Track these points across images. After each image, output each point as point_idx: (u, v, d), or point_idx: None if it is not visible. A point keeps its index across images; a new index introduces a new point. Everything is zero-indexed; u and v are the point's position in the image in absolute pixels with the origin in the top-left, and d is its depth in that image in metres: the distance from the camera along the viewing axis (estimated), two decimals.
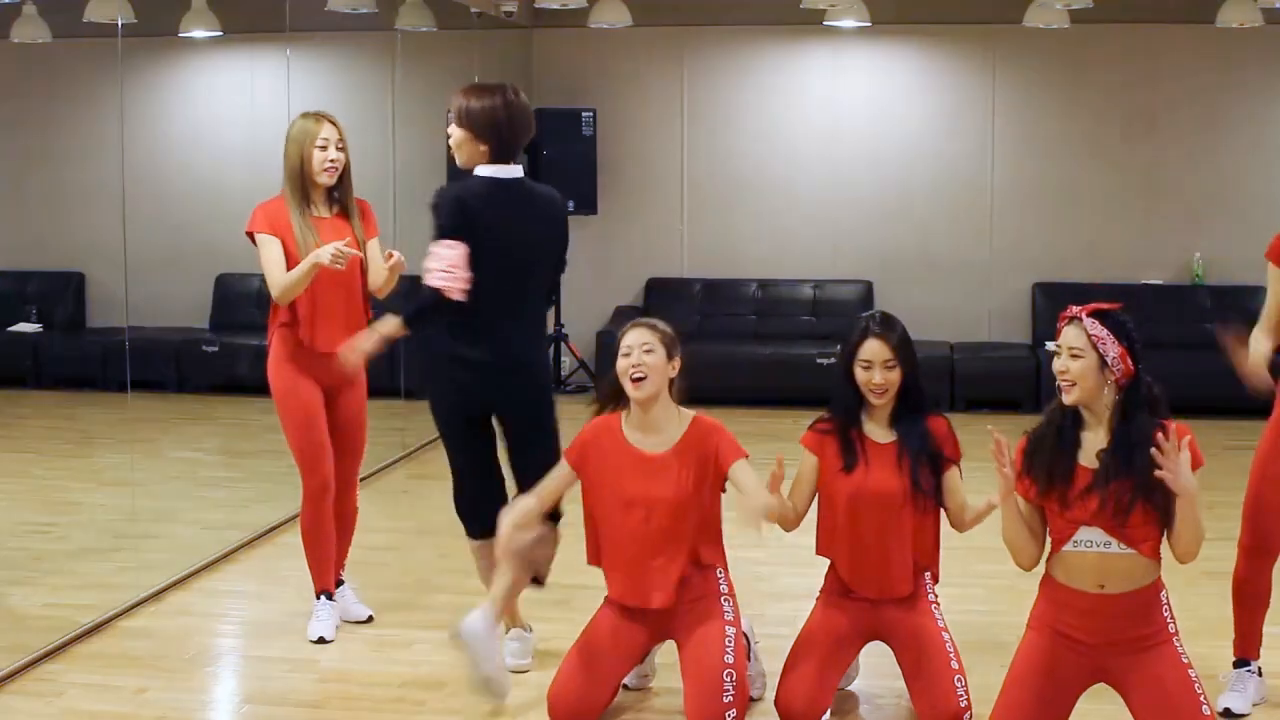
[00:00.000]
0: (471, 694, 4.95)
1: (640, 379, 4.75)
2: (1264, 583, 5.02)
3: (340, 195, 5.69)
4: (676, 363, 4.82)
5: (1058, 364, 4.30)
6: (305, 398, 5.63)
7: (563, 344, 12.09)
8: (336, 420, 5.76)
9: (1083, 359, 4.24)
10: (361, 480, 8.52)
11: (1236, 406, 10.43)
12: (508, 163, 5.16)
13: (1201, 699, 4.24)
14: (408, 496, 8.52)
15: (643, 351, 4.75)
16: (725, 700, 4.61)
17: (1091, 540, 4.26)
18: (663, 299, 12.17)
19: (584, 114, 11.75)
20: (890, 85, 11.94)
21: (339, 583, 5.90)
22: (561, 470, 4.95)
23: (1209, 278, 11.39)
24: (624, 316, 11.92)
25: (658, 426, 4.82)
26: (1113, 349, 4.23)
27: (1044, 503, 4.35)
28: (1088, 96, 11.64)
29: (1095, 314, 4.28)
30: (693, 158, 12.19)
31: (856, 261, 11.98)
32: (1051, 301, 11.44)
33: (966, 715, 4.67)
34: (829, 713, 4.89)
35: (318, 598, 5.77)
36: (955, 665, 4.74)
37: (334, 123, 5.61)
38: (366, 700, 5.12)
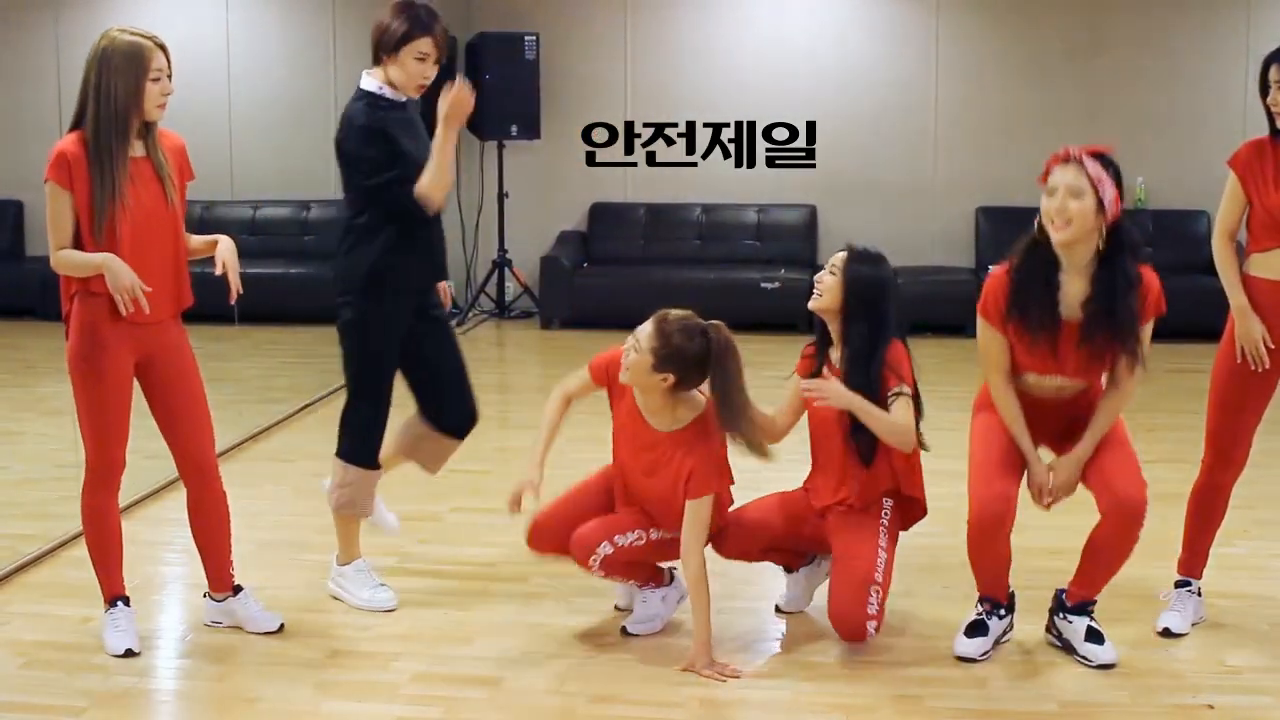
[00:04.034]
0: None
1: (624, 363, 4.76)
2: (1223, 498, 5.08)
3: (151, 133, 4.74)
4: (668, 377, 4.68)
5: (1052, 204, 4.44)
6: (115, 381, 4.73)
7: (506, 270, 12.05)
8: (167, 395, 4.88)
9: (1082, 200, 4.41)
10: (306, 407, 8.56)
11: (1179, 330, 10.54)
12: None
13: (1139, 466, 4.63)
14: None
15: (633, 344, 4.71)
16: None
17: (1053, 379, 4.67)
18: (607, 224, 12.15)
19: (526, 38, 11.66)
20: (834, 7, 11.91)
21: (237, 588, 5.12)
22: (582, 379, 4.99)
23: (1151, 202, 11.44)
24: (567, 241, 11.92)
25: (652, 408, 4.82)
26: (1109, 190, 4.44)
27: (1022, 345, 4.62)
28: (1032, 20, 11.64)
29: (1096, 155, 4.46)
30: (636, 81, 12.13)
31: (800, 186, 11.98)
32: (994, 226, 11.49)
33: (871, 624, 4.73)
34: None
35: (111, 606, 4.92)
36: (877, 578, 4.78)
37: (164, 47, 4.70)
38: (312, 626, 5.12)
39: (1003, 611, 4.88)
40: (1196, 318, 10.61)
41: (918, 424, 4.87)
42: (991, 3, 11.66)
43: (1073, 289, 4.51)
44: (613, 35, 12.05)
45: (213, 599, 5.13)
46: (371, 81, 5.09)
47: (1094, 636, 4.72)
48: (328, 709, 4.47)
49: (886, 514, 4.93)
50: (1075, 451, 4.67)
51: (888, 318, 4.88)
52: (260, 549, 5.84)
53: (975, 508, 4.63)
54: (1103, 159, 4.47)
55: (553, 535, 4.97)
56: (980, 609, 4.87)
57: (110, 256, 4.57)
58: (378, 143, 5.00)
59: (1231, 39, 11.39)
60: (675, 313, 4.71)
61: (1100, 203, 4.41)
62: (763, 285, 11.04)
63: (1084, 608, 4.76)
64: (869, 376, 4.83)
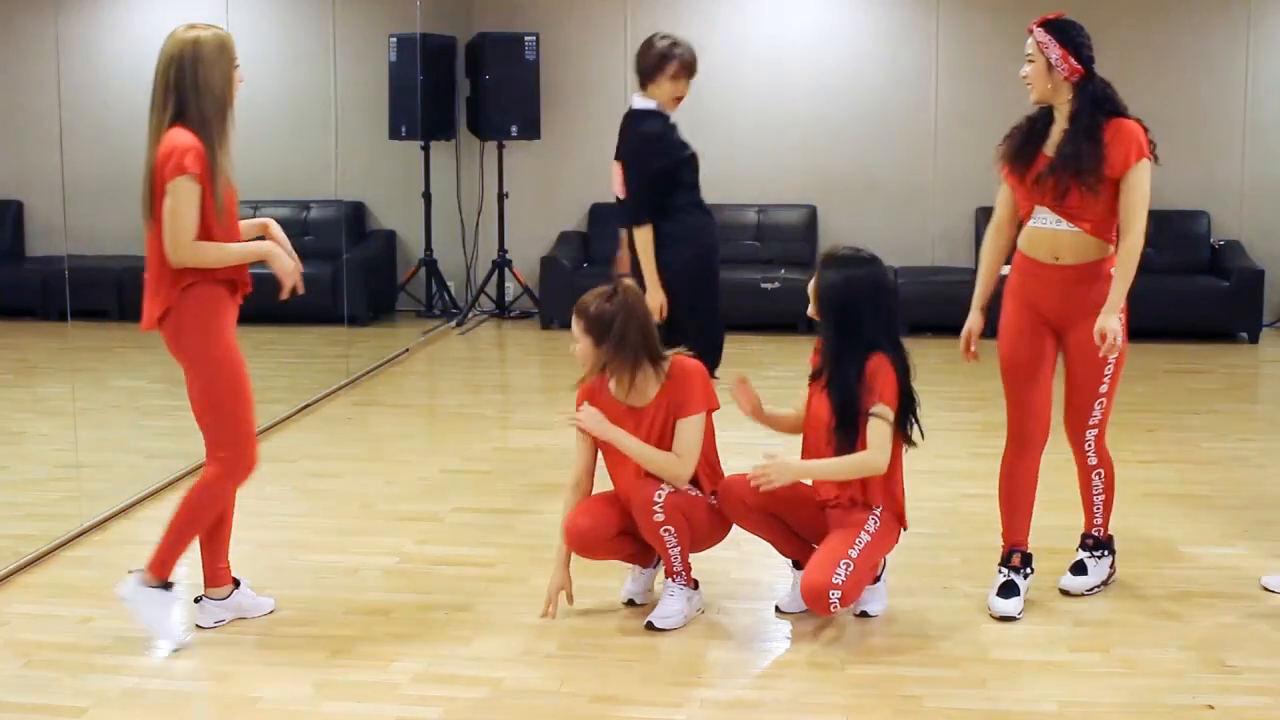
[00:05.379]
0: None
1: (579, 361, 5.05)
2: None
3: None
4: (608, 346, 4.95)
5: (1022, 70, 5.04)
6: (240, 362, 4.88)
7: (506, 270, 12.06)
8: None
9: (1034, 63, 4.99)
10: (307, 408, 8.57)
11: (1177, 330, 10.57)
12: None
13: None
14: (351, 423, 8.49)
15: (573, 341, 5.03)
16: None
17: (1045, 219, 5.03)
18: (606, 224, 12.12)
19: (527, 39, 11.66)
20: (834, 8, 11.91)
21: (235, 582, 5.18)
22: (580, 445, 5.13)
23: (1151, 202, 11.41)
24: (568, 241, 11.92)
25: (626, 385, 5.01)
26: (1055, 51, 4.93)
27: (1013, 181, 5.13)
28: (1032, 19, 11.61)
29: (1043, 23, 4.98)
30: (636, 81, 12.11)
31: (800, 186, 11.97)
32: None
33: (834, 594, 4.72)
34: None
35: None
36: (851, 554, 4.80)
37: None
38: (312, 627, 5.12)
39: (1028, 571, 5.10)
40: (1196, 318, 10.70)
41: (909, 429, 4.92)
42: (991, 3, 11.65)
43: (1057, 136, 5.01)
44: (613, 35, 12.04)
45: (211, 599, 5.14)
46: (647, 101, 6.66)
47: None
48: (328, 709, 4.47)
49: (875, 519, 4.94)
50: (1109, 302, 4.89)
51: (859, 324, 4.89)
52: (260, 549, 5.84)
53: (1010, 423, 5.11)
54: (1050, 25, 4.96)
55: (591, 536, 5.06)
56: (1005, 570, 5.08)
57: (270, 244, 4.90)
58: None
59: (1231, 39, 11.39)
60: (588, 294, 5.01)
61: (1049, 63, 4.91)
62: (763, 285, 11.03)
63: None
64: (845, 383, 4.86)
